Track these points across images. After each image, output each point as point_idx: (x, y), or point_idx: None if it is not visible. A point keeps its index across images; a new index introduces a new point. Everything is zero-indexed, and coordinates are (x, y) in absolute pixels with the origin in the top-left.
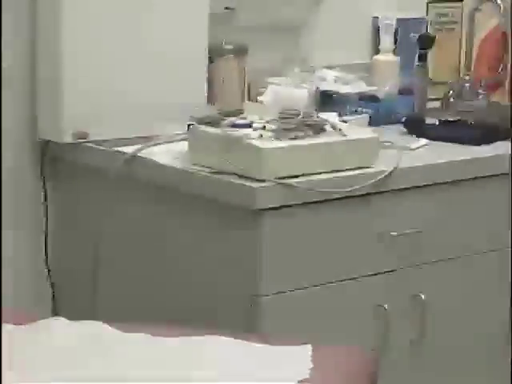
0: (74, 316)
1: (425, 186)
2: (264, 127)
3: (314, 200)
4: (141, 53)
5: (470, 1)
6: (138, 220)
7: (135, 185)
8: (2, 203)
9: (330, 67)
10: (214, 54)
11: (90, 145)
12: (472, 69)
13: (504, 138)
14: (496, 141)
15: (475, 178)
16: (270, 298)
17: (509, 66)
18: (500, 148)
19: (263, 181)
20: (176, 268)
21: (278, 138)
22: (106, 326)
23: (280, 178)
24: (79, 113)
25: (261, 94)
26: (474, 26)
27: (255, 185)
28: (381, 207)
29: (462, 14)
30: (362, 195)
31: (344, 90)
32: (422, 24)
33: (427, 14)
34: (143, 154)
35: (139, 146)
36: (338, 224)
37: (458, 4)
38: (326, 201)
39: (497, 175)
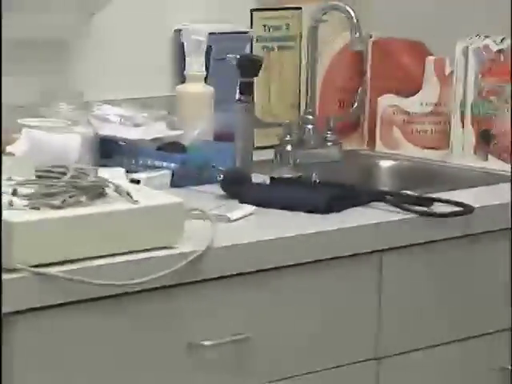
0: None
1: (251, 272)
2: (15, 191)
3: (91, 297)
4: None
5: (311, 8)
6: None
7: None
8: None
9: (113, 102)
10: None
11: None
12: (317, 104)
13: (364, 203)
14: (352, 206)
15: (323, 259)
16: None
17: (367, 99)
18: (359, 217)
19: (13, 270)
20: None
21: (35, 207)
22: None
23: (37, 266)
24: None
25: (11, 142)
26: (317, 43)
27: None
28: (188, 305)
29: (300, 27)
30: (161, 288)
31: (135, 135)
32: (244, 41)
33: (252, 27)
34: None
35: None
36: (125, 331)
37: (295, 12)
38: (106, 298)
39: (355, 255)
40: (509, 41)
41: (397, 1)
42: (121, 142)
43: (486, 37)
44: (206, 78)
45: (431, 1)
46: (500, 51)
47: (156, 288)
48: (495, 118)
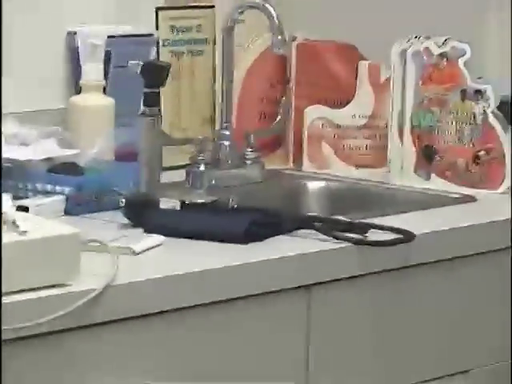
0: None
1: (158, 313)
2: None
3: None
4: None
5: (225, 6)
6: None
7: None
8: None
9: None
10: None
11: None
12: (234, 117)
13: (290, 230)
14: (276, 235)
15: (242, 297)
16: None
17: (291, 110)
18: (283, 247)
19: None
20: None
21: None
22: None
23: None
24: None
25: None
26: (233, 46)
27: None
28: (85, 352)
29: (214, 29)
30: (53, 333)
31: (22, 155)
32: (148, 45)
33: (157, 29)
34: None
35: None
36: (19, 379)
37: (208, 11)
38: None
39: (279, 291)
40: (453, 43)
41: None
42: (5, 164)
43: (427, 38)
44: (104, 88)
45: None
46: (442, 55)
47: (47, 333)
48: (438, 131)
